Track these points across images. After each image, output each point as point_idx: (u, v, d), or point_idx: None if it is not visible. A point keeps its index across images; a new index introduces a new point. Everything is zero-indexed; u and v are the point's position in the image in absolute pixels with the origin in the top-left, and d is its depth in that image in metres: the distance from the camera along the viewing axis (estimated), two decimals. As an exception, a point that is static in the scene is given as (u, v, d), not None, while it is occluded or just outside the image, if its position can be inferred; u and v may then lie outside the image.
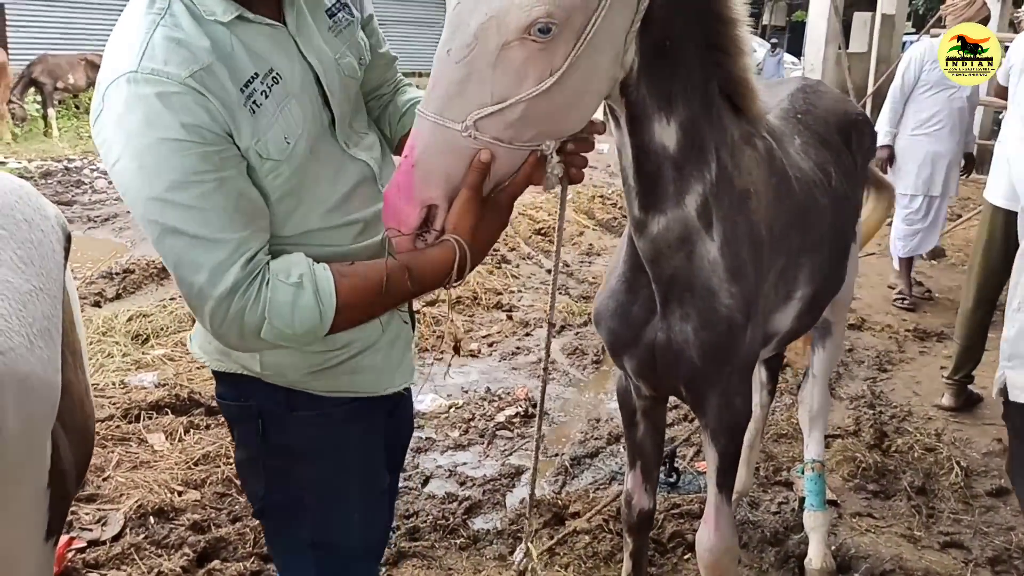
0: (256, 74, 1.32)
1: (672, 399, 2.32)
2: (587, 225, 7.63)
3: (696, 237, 1.70)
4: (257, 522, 2.59)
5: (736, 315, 1.78)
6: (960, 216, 7.22)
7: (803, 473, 2.97)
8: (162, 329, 4.75)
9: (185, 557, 2.73)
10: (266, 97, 1.32)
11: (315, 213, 1.43)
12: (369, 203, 1.50)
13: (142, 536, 2.85)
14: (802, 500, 2.98)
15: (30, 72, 12.21)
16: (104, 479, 3.20)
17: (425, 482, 3.38)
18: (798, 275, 2.08)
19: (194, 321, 1.48)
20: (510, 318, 5.34)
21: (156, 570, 2.69)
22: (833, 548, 2.89)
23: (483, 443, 3.72)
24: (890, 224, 5.67)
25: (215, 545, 2.82)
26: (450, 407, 4.05)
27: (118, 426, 3.59)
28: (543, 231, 7.26)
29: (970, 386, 4.21)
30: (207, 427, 3.66)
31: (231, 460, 3.14)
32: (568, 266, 6.46)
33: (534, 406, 3.96)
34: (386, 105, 1.72)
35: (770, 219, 1.87)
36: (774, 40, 19.10)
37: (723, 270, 1.74)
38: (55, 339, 1.41)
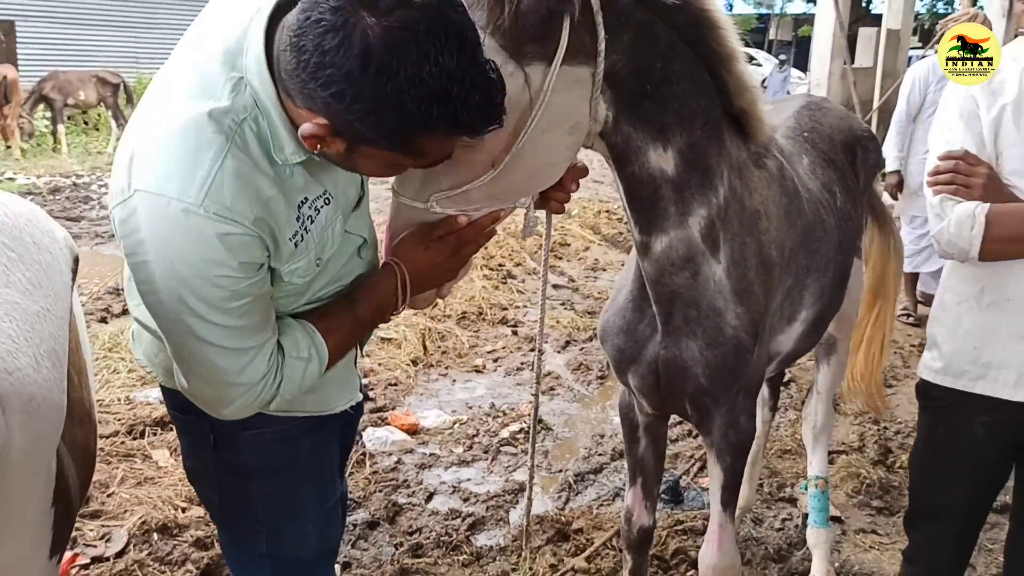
0: (307, 198, 1.31)
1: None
2: (593, 240, 7.61)
3: (701, 259, 1.72)
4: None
5: (743, 335, 1.78)
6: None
7: (807, 489, 2.96)
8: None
9: (188, 573, 2.74)
10: (312, 222, 1.32)
11: (311, 292, 1.46)
12: (356, 270, 1.52)
13: (145, 552, 2.86)
14: (806, 516, 2.98)
15: (41, 88, 12.32)
16: (108, 495, 3.21)
17: (429, 498, 3.38)
18: (804, 295, 2.09)
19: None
20: (515, 333, 5.33)
21: (160, 586, 2.69)
22: (837, 565, 2.88)
23: (487, 459, 3.72)
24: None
25: (218, 562, 2.82)
26: (454, 423, 4.05)
27: (123, 442, 3.60)
28: (550, 246, 7.24)
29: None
30: (212, 443, 3.66)
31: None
32: (573, 281, 6.45)
33: (539, 422, 3.96)
34: None
35: (780, 239, 1.88)
36: (782, 56, 18.78)
37: (729, 291, 1.76)
38: (61, 360, 1.42)
